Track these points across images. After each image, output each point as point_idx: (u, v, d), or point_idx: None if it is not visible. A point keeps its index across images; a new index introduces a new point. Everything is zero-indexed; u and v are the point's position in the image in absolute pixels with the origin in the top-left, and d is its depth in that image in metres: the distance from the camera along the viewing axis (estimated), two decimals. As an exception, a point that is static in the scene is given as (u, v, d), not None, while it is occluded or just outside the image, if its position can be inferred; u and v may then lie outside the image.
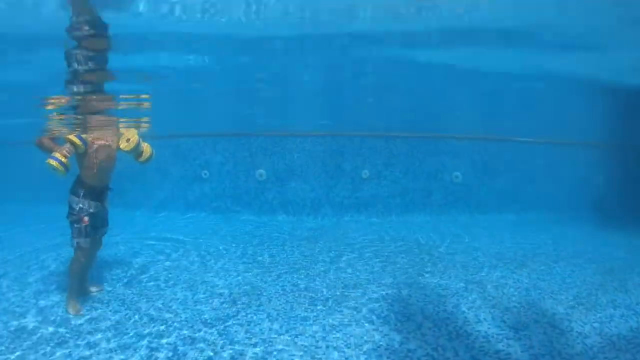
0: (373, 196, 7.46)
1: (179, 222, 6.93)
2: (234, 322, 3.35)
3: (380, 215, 7.33)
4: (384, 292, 3.96)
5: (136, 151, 3.73)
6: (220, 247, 5.43)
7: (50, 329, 3.23)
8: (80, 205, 3.42)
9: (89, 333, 3.16)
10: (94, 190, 3.50)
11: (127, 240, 5.69)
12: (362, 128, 7.47)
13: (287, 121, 7.63)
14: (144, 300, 3.76)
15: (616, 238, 6.25)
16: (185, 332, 3.18)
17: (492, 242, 5.82)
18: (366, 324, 3.32)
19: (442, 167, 7.60)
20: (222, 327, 3.26)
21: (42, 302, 3.72)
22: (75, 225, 3.42)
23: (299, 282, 4.23)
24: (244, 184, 7.52)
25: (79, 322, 3.34)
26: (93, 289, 3.92)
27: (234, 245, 5.56)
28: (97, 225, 3.56)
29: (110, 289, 4.01)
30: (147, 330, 3.20)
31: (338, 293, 3.93)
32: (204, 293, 3.93)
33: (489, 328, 3.25)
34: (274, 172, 7.45)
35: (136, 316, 3.44)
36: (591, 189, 8.04)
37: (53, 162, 3.23)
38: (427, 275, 4.43)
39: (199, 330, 3.20)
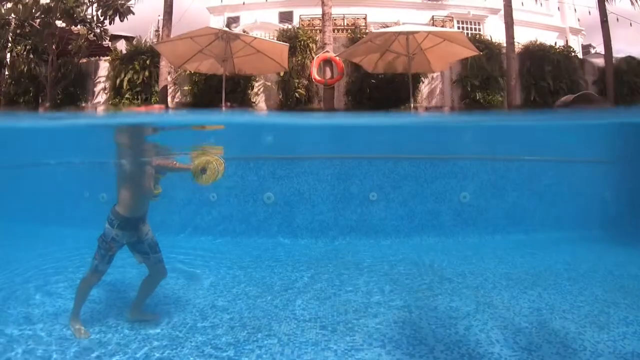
0: (381, 219, 7.46)
1: (187, 246, 6.93)
2: (244, 347, 3.34)
3: (388, 237, 7.31)
4: (394, 315, 3.94)
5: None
6: (229, 271, 5.44)
7: (56, 353, 3.23)
8: (113, 236, 3.45)
9: (98, 357, 3.16)
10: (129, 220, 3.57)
11: (134, 264, 5.66)
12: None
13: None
14: (152, 324, 3.75)
15: (628, 255, 6.18)
16: (195, 357, 3.18)
17: (501, 262, 5.79)
18: (378, 348, 3.30)
19: (450, 188, 7.60)
20: (232, 352, 3.26)
21: (48, 324, 3.72)
22: (102, 250, 3.45)
23: (309, 305, 4.22)
24: (252, 207, 7.55)
25: (87, 345, 3.33)
26: (149, 315, 3.91)
27: (242, 268, 5.56)
28: (148, 252, 3.65)
29: (118, 312, 4.01)
30: (156, 356, 3.20)
31: (349, 317, 3.92)
32: (213, 317, 3.93)
33: (501, 349, 3.23)
34: (282, 195, 7.49)
35: (145, 341, 3.44)
36: (601, 206, 7.98)
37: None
38: (437, 297, 4.41)
39: (210, 356, 3.19)
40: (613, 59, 12.93)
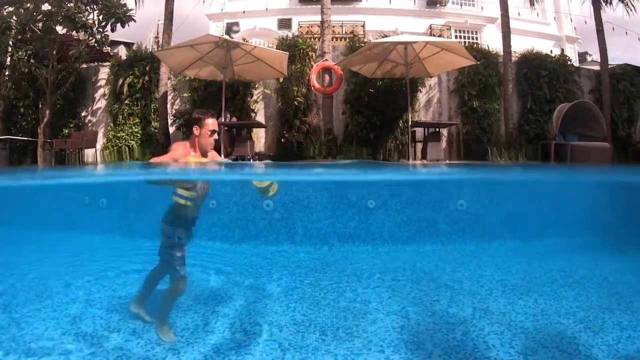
0: (379, 226, 7.51)
1: (186, 253, 6.95)
2: (245, 352, 3.39)
3: (386, 244, 7.36)
4: (393, 321, 4.00)
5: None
6: (229, 277, 5.48)
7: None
8: (179, 234, 3.51)
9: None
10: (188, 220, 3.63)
11: (136, 270, 5.71)
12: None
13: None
14: (154, 328, 3.78)
15: (623, 262, 6.25)
16: (198, 362, 3.23)
17: (498, 269, 5.86)
18: (377, 353, 3.36)
19: (447, 196, 7.66)
20: (234, 357, 3.31)
21: (52, 330, 3.74)
22: (176, 253, 3.51)
23: (308, 311, 4.27)
24: (251, 215, 7.59)
25: (89, 350, 3.37)
26: (147, 316, 3.94)
27: (242, 275, 5.60)
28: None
29: (120, 317, 4.05)
30: (160, 361, 3.25)
31: (348, 322, 3.98)
32: (215, 323, 3.98)
33: (497, 354, 3.29)
34: (281, 202, 7.54)
35: (147, 345, 3.49)
36: (597, 213, 8.04)
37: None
38: (435, 304, 4.47)
39: (212, 361, 3.25)
40: (609, 66, 13.09)
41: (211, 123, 3.59)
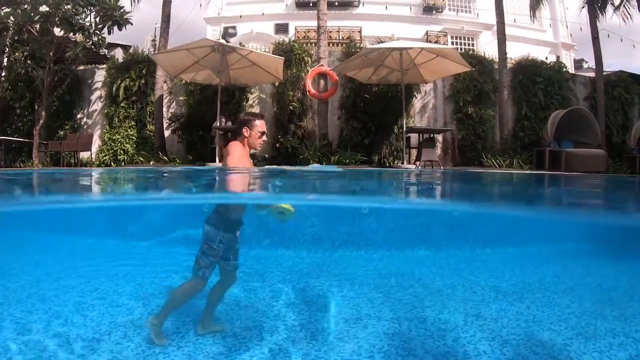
0: (373, 231, 7.50)
1: (181, 257, 6.92)
2: (236, 356, 3.38)
3: (379, 250, 7.36)
4: (384, 327, 3.99)
5: None
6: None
7: None
8: (220, 239, 3.44)
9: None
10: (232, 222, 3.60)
11: (128, 272, 5.69)
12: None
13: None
14: (147, 331, 3.75)
15: (616, 268, 6.25)
16: (187, 367, 3.21)
17: (491, 275, 5.85)
18: (368, 359, 3.34)
19: (441, 201, 7.65)
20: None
21: (42, 330, 3.69)
22: (210, 257, 3.45)
23: (300, 316, 4.25)
24: (245, 218, 7.54)
25: (78, 352, 3.34)
26: (217, 327, 3.87)
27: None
28: (230, 258, 3.66)
29: (112, 320, 4.01)
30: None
31: (339, 327, 3.96)
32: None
33: (488, 360, 3.29)
34: (275, 206, 7.49)
35: (137, 348, 3.45)
36: (590, 218, 8.03)
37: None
38: (426, 310, 4.46)
39: (202, 365, 3.23)
40: (604, 73, 13.17)
41: (260, 124, 3.78)
